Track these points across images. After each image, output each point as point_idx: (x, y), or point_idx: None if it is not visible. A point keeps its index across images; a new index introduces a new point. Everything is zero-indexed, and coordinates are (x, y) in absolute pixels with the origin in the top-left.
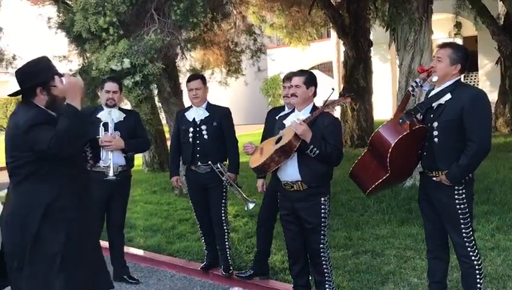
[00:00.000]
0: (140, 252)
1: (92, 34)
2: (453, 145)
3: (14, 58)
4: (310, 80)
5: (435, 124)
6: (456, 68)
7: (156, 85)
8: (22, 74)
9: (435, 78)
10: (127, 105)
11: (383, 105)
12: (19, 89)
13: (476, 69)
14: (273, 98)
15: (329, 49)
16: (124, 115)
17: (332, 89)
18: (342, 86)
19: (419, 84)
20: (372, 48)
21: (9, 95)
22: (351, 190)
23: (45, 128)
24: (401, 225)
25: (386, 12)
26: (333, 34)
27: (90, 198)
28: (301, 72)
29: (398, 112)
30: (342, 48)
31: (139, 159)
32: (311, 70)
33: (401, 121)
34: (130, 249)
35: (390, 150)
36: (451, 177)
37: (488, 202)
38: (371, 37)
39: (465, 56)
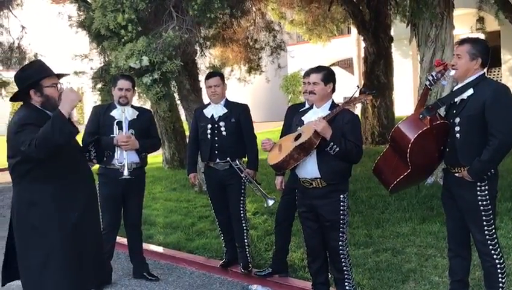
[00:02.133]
0: (160, 249)
1: (111, 32)
2: (475, 141)
3: (35, 57)
4: (328, 76)
5: (457, 119)
6: (477, 63)
7: (175, 82)
8: (16, 78)
9: (452, 72)
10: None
11: (404, 101)
12: (16, 92)
13: (499, 64)
14: (293, 95)
15: (349, 45)
16: (137, 113)
17: (358, 86)
18: (362, 82)
19: (435, 78)
20: (393, 44)
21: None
22: (372, 187)
23: (32, 130)
24: (422, 222)
25: (407, 7)
26: (353, 30)
27: (88, 197)
28: (319, 69)
29: (419, 107)
30: (363, 44)
31: (159, 156)
32: (331, 67)
33: (421, 116)
34: (149, 246)
35: (410, 145)
36: (473, 173)
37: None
38: (392, 33)
39: (485, 49)
